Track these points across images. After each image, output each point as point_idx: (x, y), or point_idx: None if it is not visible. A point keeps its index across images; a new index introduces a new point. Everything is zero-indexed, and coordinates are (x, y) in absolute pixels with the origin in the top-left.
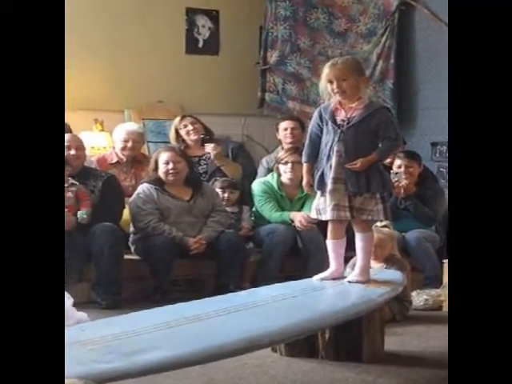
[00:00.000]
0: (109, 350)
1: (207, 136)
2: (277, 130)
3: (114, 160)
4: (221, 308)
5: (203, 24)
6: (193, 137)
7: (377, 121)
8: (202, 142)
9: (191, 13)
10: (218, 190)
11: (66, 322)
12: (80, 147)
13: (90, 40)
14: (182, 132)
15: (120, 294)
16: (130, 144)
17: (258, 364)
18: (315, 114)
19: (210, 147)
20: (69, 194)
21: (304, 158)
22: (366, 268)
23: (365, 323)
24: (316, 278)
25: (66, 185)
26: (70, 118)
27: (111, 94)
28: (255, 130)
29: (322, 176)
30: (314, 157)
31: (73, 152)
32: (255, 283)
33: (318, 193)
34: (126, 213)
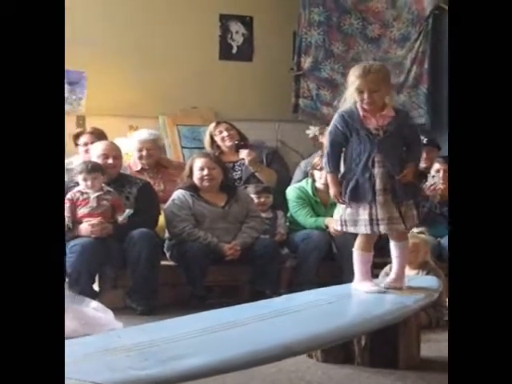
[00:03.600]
0: (145, 356)
1: (242, 142)
2: (322, 134)
3: (139, 167)
4: (257, 314)
5: (237, 30)
6: (227, 143)
7: (408, 127)
8: (237, 148)
9: (225, 19)
10: (253, 196)
11: (98, 329)
12: (117, 156)
13: (124, 47)
14: (217, 138)
15: (156, 300)
16: (144, 152)
17: (293, 370)
18: (338, 121)
19: (244, 153)
20: (104, 202)
21: (329, 168)
22: (402, 274)
23: (401, 329)
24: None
25: (101, 192)
26: (104, 124)
27: (146, 101)
28: (289, 136)
29: (357, 187)
30: (339, 166)
31: (110, 161)
32: (291, 289)
33: (344, 204)
34: (161, 219)
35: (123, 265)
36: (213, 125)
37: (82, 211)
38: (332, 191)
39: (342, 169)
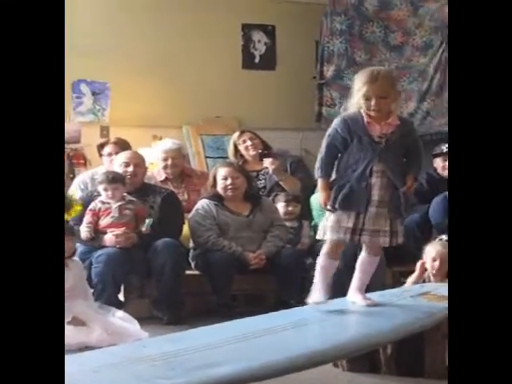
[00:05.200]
0: (171, 366)
1: (266, 151)
2: None
3: (163, 177)
4: (282, 323)
5: (259, 39)
6: (251, 152)
7: (412, 138)
8: (261, 157)
9: (247, 28)
10: (282, 204)
11: (124, 339)
12: (139, 164)
13: (147, 57)
14: (241, 147)
15: (181, 309)
16: (169, 162)
17: (319, 379)
18: (339, 125)
19: (268, 162)
20: (126, 212)
21: (320, 173)
22: (363, 289)
23: (427, 338)
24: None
25: (123, 202)
26: (128, 134)
27: (169, 111)
28: (313, 144)
29: (350, 195)
30: (331, 172)
31: (131, 169)
32: None
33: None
34: (185, 228)
35: (148, 274)
36: (236, 134)
37: (104, 221)
38: (321, 197)
39: (334, 174)
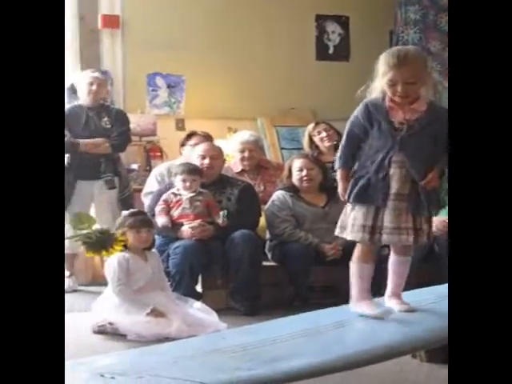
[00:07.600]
0: (249, 357)
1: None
2: None
3: (239, 169)
4: (356, 315)
5: (333, 30)
6: (326, 143)
7: (441, 126)
8: (336, 148)
9: (321, 19)
10: None
11: (203, 330)
12: (216, 156)
13: (222, 50)
14: (316, 138)
15: (258, 300)
16: (246, 154)
17: (398, 370)
18: (360, 111)
19: None
20: (196, 203)
21: (340, 163)
22: (399, 293)
23: None
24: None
25: (194, 194)
26: (203, 126)
27: (244, 102)
28: None
29: (367, 187)
30: (352, 162)
31: (207, 161)
32: None
33: (350, 206)
34: (262, 220)
35: (225, 266)
36: (311, 125)
37: (176, 213)
38: (339, 188)
39: (356, 165)
